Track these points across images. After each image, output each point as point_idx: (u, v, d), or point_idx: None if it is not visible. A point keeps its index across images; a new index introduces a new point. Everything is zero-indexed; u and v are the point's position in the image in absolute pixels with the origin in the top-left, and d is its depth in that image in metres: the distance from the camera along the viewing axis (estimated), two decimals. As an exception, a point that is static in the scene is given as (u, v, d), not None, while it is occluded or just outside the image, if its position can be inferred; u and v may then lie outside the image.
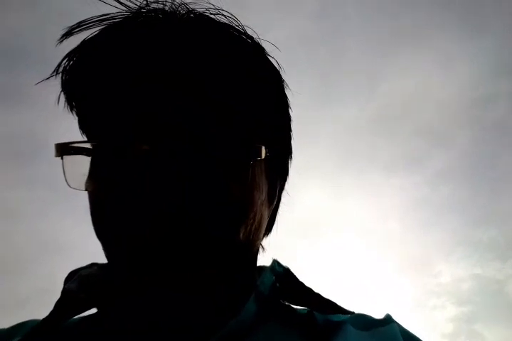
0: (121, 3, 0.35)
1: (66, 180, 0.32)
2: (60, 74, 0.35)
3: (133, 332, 0.31)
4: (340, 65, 2.25)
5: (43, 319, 0.35)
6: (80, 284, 0.35)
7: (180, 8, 0.35)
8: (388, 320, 0.36)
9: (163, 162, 0.29)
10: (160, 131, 0.30)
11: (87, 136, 0.36)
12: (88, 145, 0.32)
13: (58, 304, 0.35)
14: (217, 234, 0.30)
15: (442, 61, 2.41)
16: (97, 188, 0.32)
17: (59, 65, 0.35)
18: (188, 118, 0.31)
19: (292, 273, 0.37)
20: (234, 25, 0.35)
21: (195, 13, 0.35)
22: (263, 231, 0.36)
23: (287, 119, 0.39)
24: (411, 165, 2.69)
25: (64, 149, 0.32)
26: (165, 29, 0.33)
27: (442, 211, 2.82)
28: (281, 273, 0.36)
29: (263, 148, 0.32)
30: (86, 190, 0.32)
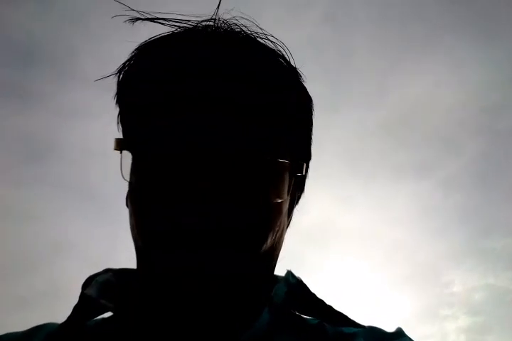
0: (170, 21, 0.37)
1: (122, 173, 0.33)
2: (120, 69, 0.37)
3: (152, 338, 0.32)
4: (349, 70, 2.25)
5: (63, 323, 0.36)
6: (99, 290, 0.36)
7: (230, 28, 0.37)
8: (400, 333, 0.37)
9: (217, 178, 0.31)
10: (210, 155, 0.31)
11: (122, 128, 0.38)
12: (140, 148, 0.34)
13: (77, 309, 0.35)
14: (248, 244, 0.32)
15: (453, 67, 2.39)
16: (144, 182, 0.33)
17: (119, 69, 0.37)
18: (234, 141, 0.32)
19: (305, 285, 0.38)
20: (279, 51, 0.37)
21: (244, 36, 0.37)
22: (283, 241, 0.38)
23: (310, 142, 0.42)
24: (420, 173, 2.66)
25: (123, 145, 0.34)
26: (216, 50, 0.35)
27: (453, 219, 2.77)
28: (294, 284, 0.37)
29: (304, 165, 0.36)
30: (130, 182, 0.34)
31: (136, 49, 0.37)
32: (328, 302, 0.37)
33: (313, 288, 0.38)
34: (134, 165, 0.34)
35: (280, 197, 0.34)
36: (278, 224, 0.34)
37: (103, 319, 0.37)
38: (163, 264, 0.31)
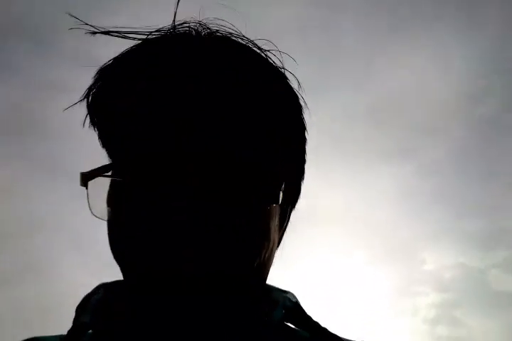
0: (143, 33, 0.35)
1: (90, 209, 0.32)
2: (86, 93, 0.36)
3: None
4: (336, 54, 2.25)
5: None
6: (94, 315, 0.36)
7: (204, 32, 0.35)
8: None
9: (191, 204, 0.29)
10: (185, 172, 0.30)
11: (107, 151, 0.37)
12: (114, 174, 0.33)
13: (71, 334, 0.36)
14: (233, 271, 0.31)
15: (439, 53, 2.42)
16: (123, 219, 0.32)
17: (89, 89, 0.35)
18: (208, 162, 0.31)
19: (302, 308, 0.38)
20: (256, 50, 0.36)
21: (219, 37, 0.35)
22: (274, 255, 0.38)
23: (303, 143, 0.40)
24: (402, 157, 2.73)
25: (88, 177, 0.32)
26: (190, 51, 0.33)
27: (430, 201, 2.88)
28: (291, 308, 0.37)
29: (281, 194, 0.33)
30: (109, 220, 0.33)
31: (100, 70, 0.35)
32: (322, 325, 0.38)
33: (305, 300, 0.39)
34: (113, 198, 0.33)
35: (268, 200, 0.33)
36: (265, 227, 0.34)
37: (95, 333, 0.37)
38: (147, 264, 0.31)
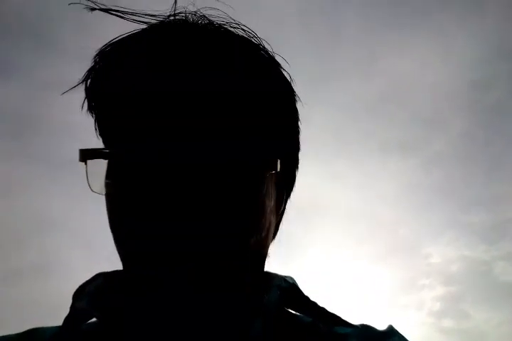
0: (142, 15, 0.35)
1: (89, 184, 0.32)
2: (86, 76, 0.35)
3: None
4: (338, 43, 2.23)
5: (56, 331, 0.36)
6: (90, 302, 0.35)
7: (200, 21, 0.35)
8: (391, 332, 0.38)
9: (184, 176, 0.30)
10: (181, 147, 0.31)
11: (103, 140, 0.37)
12: (111, 153, 0.33)
13: (68, 320, 0.36)
14: (229, 246, 0.31)
15: (441, 42, 2.39)
16: (120, 194, 0.32)
17: (89, 71, 0.35)
18: (204, 135, 0.31)
19: (298, 289, 0.38)
20: (252, 39, 0.36)
21: (215, 26, 0.35)
22: (271, 238, 0.37)
23: (297, 133, 0.40)
24: (406, 150, 2.71)
25: (87, 154, 0.33)
26: (186, 40, 0.33)
27: (435, 195, 2.86)
28: (287, 288, 0.37)
29: (278, 161, 0.33)
30: (106, 194, 0.33)
31: (99, 52, 0.35)
32: (321, 305, 0.37)
33: (304, 284, 0.38)
34: (111, 174, 0.33)
35: (255, 195, 0.33)
36: (261, 220, 0.33)
37: (96, 323, 0.37)
38: (144, 271, 0.31)
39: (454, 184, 2.83)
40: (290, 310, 0.38)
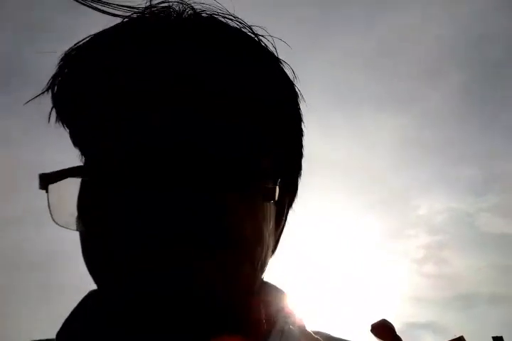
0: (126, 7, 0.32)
1: (52, 217, 0.28)
2: (52, 81, 0.32)
3: None
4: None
5: None
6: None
7: (187, 10, 0.32)
8: None
9: (168, 201, 0.26)
10: (161, 162, 0.27)
11: (80, 151, 0.33)
12: (78, 170, 0.29)
13: None
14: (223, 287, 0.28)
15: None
16: (92, 223, 0.28)
17: (54, 76, 0.32)
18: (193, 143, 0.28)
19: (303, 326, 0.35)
20: (243, 29, 0.32)
21: (203, 16, 0.32)
22: (268, 262, 0.33)
23: (300, 134, 0.36)
24: (402, 105, 2.71)
25: (49, 179, 0.28)
26: (171, 31, 0.31)
27: (427, 149, 2.92)
28: (290, 334, 0.34)
29: (277, 189, 0.29)
30: (76, 229, 0.29)
31: (65, 56, 0.32)
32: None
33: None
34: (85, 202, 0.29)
35: (250, 224, 0.29)
36: (257, 251, 0.30)
37: None
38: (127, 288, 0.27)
39: (447, 139, 2.88)
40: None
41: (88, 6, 0.32)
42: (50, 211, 0.28)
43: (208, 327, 0.27)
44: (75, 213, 0.29)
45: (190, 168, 0.27)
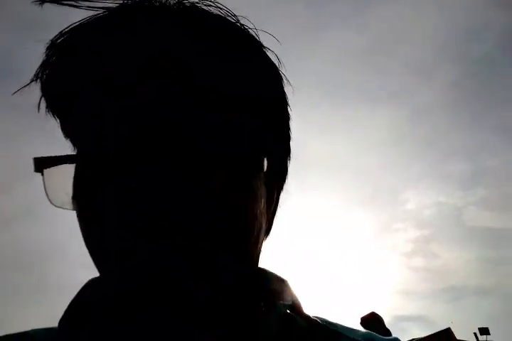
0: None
1: (48, 198, 0.29)
2: (40, 70, 0.32)
3: None
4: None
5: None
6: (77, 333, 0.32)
7: (170, 1, 0.32)
8: None
9: (160, 178, 0.27)
10: (154, 142, 0.27)
11: (71, 141, 0.34)
12: (71, 158, 0.29)
13: None
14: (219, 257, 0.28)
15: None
16: (87, 208, 0.29)
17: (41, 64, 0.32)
18: (182, 126, 0.28)
19: (299, 308, 0.36)
20: (228, 17, 0.33)
21: (186, 4, 0.32)
22: (261, 241, 0.34)
23: (286, 118, 0.37)
24: (394, 99, 2.71)
25: (44, 163, 0.29)
26: (154, 19, 0.31)
27: (418, 145, 2.95)
28: (288, 318, 0.35)
29: (265, 160, 0.30)
30: (73, 209, 0.30)
31: (50, 45, 0.32)
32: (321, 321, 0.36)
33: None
34: (80, 184, 0.30)
35: (240, 198, 0.30)
36: (249, 228, 0.30)
37: None
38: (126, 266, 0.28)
39: (438, 134, 2.90)
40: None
41: (66, 4, 0.32)
42: (46, 193, 0.29)
43: (204, 313, 0.28)
44: (70, 193, 0.30)
45: (177, 142, 0.28)
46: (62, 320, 0.34)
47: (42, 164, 0.30)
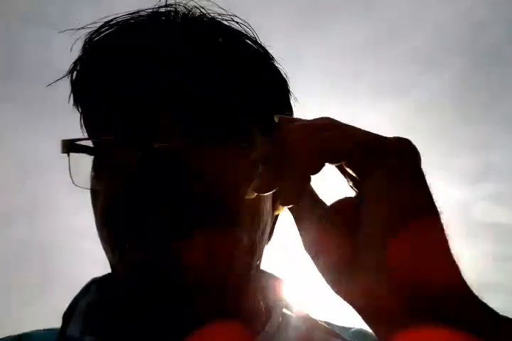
0: None
1: (71, 178, 0.31)
2: (73, 67, 0.35)
3: None
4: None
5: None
6: (83, 323, 0.33)
7: (192, 12, 0.35)
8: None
9: (170, 167, 0.28)
10: (164, 134, 0.29)
11: (88, 135, 0.36)
12: (92, 144, 0.32)
13: None
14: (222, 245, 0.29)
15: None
16: (103, 191, 0.31)
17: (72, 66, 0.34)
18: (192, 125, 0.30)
19: (297, 307, 0.36)
20: (246, 32, 0.35)
21: (207, 17, 0.35)
22: (266, 240, 0.34)
23: (289, 105, 0.38)
24: (399, 92, 2.69)
25: (70, 146, 0.31)
26: (175, 31, 0.33)
27: (424, 138, 2.91)
28: (288, 318, 0.35)
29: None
30: (92, 188, 0.31)
31: (88, 42, 0.34)
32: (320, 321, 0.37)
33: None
34: (97, 169, 0.32)
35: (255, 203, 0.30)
36: (254, 219, 0.31)
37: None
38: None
39: (445, 128, 2.87)
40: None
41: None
42: (70, 173, 0.31)
43: (205, 310, 0.29)
44: (92, 175, 0.32)
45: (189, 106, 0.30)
46: (66, 314, 0.34)
47: (68, 148, 0.31)
